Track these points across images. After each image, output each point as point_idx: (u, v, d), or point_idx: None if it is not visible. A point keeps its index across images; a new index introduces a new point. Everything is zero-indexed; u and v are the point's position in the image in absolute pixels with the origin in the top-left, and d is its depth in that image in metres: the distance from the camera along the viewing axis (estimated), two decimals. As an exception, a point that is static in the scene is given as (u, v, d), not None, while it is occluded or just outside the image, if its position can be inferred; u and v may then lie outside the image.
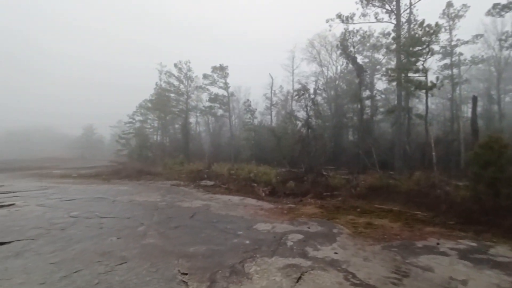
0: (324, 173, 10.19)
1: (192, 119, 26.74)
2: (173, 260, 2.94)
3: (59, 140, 66.84)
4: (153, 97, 25.84)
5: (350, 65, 16.35)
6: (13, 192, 7.29)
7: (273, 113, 24.73)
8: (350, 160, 14.82)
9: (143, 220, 4.58)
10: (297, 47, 24.10)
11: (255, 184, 9.38)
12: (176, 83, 24.47)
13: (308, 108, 12.55)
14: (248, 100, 21.98)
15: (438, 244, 3.68)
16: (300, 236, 4.01)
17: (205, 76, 23.27)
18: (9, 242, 3.22)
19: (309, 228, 4.52)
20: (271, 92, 24.12)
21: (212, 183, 10.18)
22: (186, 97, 24.57)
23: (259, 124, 22.01)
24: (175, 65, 23.87)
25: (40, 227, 3.88)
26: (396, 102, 13.37)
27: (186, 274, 2.61)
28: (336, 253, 3.35)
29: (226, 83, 23.18)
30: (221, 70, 22.82)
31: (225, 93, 23.53)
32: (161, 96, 24.68)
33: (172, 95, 24.75)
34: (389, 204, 6.22)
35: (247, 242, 3.68)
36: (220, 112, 24.73)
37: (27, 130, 69.26)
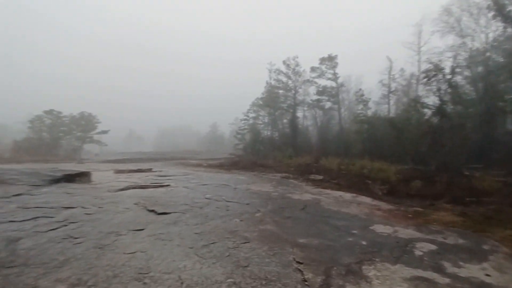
0: (466, 173, 8.05)
1: (299, 113, 27.09)
2: (288, 248, 3.09)
3: (193, 136, 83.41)
4: (264, 94, 27.88)
5: (510, 29, 12.01)
6: (167, 176, 9.65)
7: (391, 102, 21.51)
8: (507, 157, 11.01)
9: (259, 208, 5.05)
10: (425, 18, 19.72)
11: (370, 182, 8.53)
12: (284, 79, 25.39)
13: (442, 92, 10.17)
14: (360, 89, 20.18)
15: None
16: (432, 247, 3.35)
17: (313, 69, 22.96)
18: (169, 213, 4.29)
19: (444, 238, 3.72)
20: (389, 78, 20.98)
21: (321, 177, 10.02)
22: (294, 92, 25.11)
23: (373, 115, 19.70)
24: (284, 62, 24.74)
25: (187, 204, 4.97)
26: None
27: (301, 263, 2.68)
28: (487, 275, 2.60)
29: (335, 74, 22.09)
30: (330, 60, 21.89)
31: (334, 84, 22.43)
32: (270, 93, 26.30)
33: (280, 91, 25.90)
34: None
35: (364, 243, 3.41)
36: (328, 104, 23.87)
37: (174, 128, 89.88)
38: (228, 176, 10.70)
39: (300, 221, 4.34)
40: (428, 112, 11.88)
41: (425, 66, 14.14)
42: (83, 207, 4.36)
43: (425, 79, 11.57)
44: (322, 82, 23.00)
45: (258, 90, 30.99)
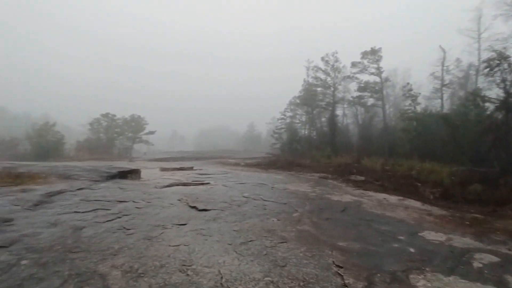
0: (541, 176, 6.95)
1: (339, 111, 26.07)
2: (327, 250, 3.00)
3: (231, 135, 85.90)
4: (301, 93, 27.40)
5: None
6: (207, 174, 10.07)
7: (445, 96, 19.41)
8: None
9: (296, 207, 4.99)
10: (486, 1, 17.35)
11: (419, 184, 7.84)
12: (323, 76, 24.63)
13: (507, 83, 8.90)
14: (407, 83, 18.65)
15: None
16: (495, 259, 2.96)
17: (354, 64, 21.85)
18: (209, 210, 4.47)
19: (510, 250, 3.26)
20: (442, 70, 18.96)
21: (362, 178, 9.51)
22: (333, 89, 24.22)
23: (423, 111, 18.02)
24: (322, 58, 24.01)
25: (226, 202, 5.13)
26: None
27: (341, 267, 2.58)
28: None
29: (378, 68, 20.75)
30: (373, 54, 20.62)
31: (378, 79, 21.06)
32: (308, 92, 25.75)
33: (319, 89, 25.21)
34: None
35: (412, 250, 3.15)
36: (371, 101, 22.53)
37: (213, 128, 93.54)
38: (265, 175, 10.76)
39: (340, 223, 4.18)
40: (490, 106, 10.48)
41: (486, 55, 12.41)
42: (134, 201, 4.77)
43: (487, 69, 10.20)
44: (364, 77, 21.75)
45: (295, 88, 30.61)
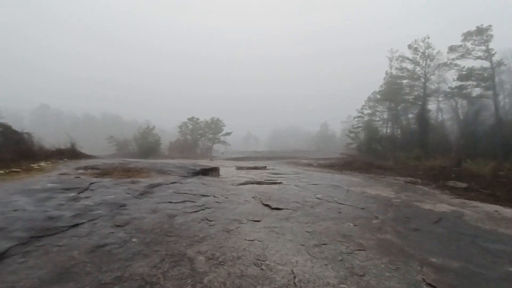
0: None
1: (431, 106, 22.36)
2: (415, 265, 2.62)
3: (302, 135, 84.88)
4: (383, 87, 24.76)
5: None
6: (279, 174, 10.21)
7: None
8: None
9: (377, 214, 4.54)
10: None
11: (552, 196, 6.02)
12: (410, 66, 21.61)
13: None
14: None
15: None
16: None
17: (452, 49, 18.38)
18: (281, 209, 4.54)
19: None
20: None
21: (464, 185, 7.92)
22: (423, 80, 20.96)
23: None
24: (409, 46, 21.09)
25: (298, 202, 5.10)
26: None
27: (434, 286, 2.22)
28: None
29: (488, 50, 16.90)
30: (479, 34, 16.93)
31: (487, 64, 17.13)
32: (391, 85, 23.07)
33: (405, 81, 22.24)
34: None
35: (540, 280, 2.44)
36: (476, 91, 18.48)
37: (285, 129, 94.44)
38: (340, 177, 10.19)
39: (433, 236, 3.59)
40: None
41: None
42: (214, 196, 5.27)
43: None
44: (468, 63, 17.97)
45: (373, 86, 27.96)
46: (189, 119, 40.50)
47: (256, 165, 14.04)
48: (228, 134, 43.53)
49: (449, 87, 19.98)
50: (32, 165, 7.88)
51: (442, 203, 5.77)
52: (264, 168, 12.91)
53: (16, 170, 7.04)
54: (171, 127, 44.90)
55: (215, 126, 41.91)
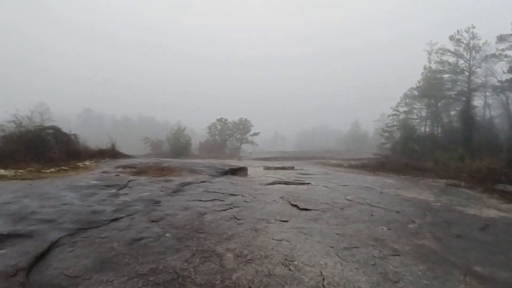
0: None
1: (477, 102, 20.38)
2: (457, 274, 2.42)
3: (332, 135, 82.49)
4: (420, 83, 23.15)
5: None
6: (308, 174, 10.03)
7: None
8: None
9: (413, 218, 4.27)
10: None
11: None
12: (452, 59, 19.91)
13: None
14: None
15: None
16: None
17: (501, 38, 16.68)
18: (310, 210, 4.47)
19: None
20: None
21: (517, 189, 7.11)
22: (467, 73, 19.19)
23: None
24: (451, 37, 19.45)
25: (327, 203, 4.97)
26: None
27: (480, 299, 2.03)
28: None
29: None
30: (533, 20, 15.13)
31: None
32: (430, 80, 21.45)
33: (445, 75, 20.55)
34: None
35: None
36: (530, 85, 16.56)
37: (313, 128, 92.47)
38: (372, 178, 9.73)
39: (478, 243, 3.28)
40: None
41: None
42: (242, 195, 5.35)
43: None
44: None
45: (409, 81, 26.28)
46: (218, 119, 41.54)
47: (284, 165, 13.95)
48: (256, 134, 43.85)
49: (499, 81, 18.07)
50: (78, 163, 8.67)
51: (489, 208, 5.24)
52: (292, 168, 12.78)
53: (64, 168, 7.80)
54: (201, 128, 46.44)
55: (243, 127, 42.48)
